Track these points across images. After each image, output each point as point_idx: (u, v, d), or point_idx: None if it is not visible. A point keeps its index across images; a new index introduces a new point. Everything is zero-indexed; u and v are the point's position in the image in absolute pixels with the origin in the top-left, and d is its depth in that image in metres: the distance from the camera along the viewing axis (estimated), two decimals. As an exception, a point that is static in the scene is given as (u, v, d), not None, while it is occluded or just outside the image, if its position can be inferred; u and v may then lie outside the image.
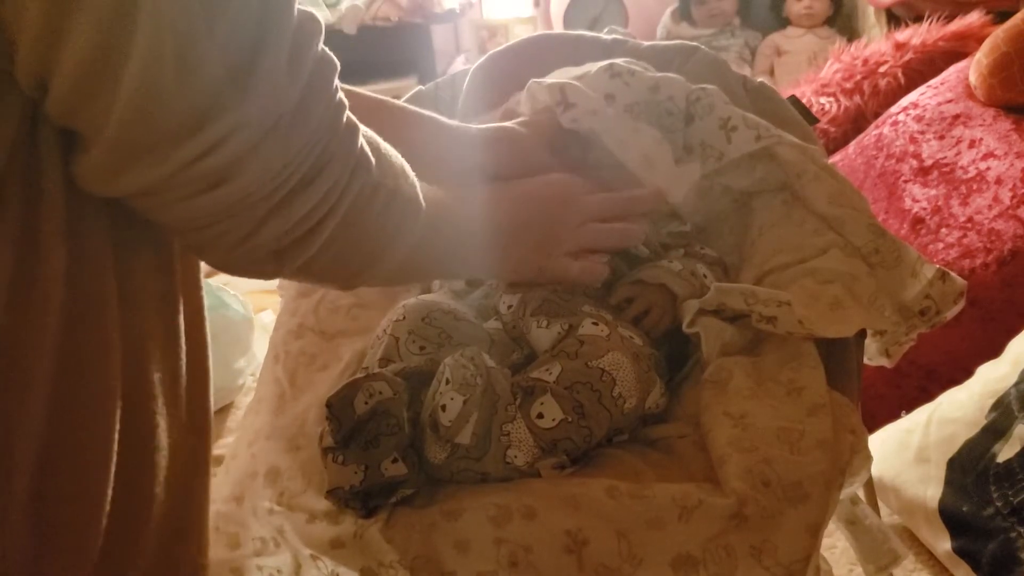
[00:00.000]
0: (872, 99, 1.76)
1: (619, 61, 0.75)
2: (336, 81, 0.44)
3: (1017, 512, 0.96)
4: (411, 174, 0.52)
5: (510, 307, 0.67)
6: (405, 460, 0.55)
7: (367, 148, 0.47)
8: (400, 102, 0.73)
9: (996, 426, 1.04)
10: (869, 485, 0.79)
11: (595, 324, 0.62)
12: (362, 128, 0.47)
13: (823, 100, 1.80)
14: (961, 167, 1.39)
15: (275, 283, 0.88)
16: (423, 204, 0.52)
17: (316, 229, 0.45)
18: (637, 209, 0.72)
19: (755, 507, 0.51)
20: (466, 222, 0.62)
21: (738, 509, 0.51)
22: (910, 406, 1.19)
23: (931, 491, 1.06)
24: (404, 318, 0.66)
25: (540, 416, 0.56)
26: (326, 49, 0.43)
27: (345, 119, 0.45)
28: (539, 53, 0.86)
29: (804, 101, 1.81)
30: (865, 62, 1.81)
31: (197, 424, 0.50)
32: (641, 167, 0.74)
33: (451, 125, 0.73)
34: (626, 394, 0.59)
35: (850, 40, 2.02)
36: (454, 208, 0.60)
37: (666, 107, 0.74)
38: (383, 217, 0.49)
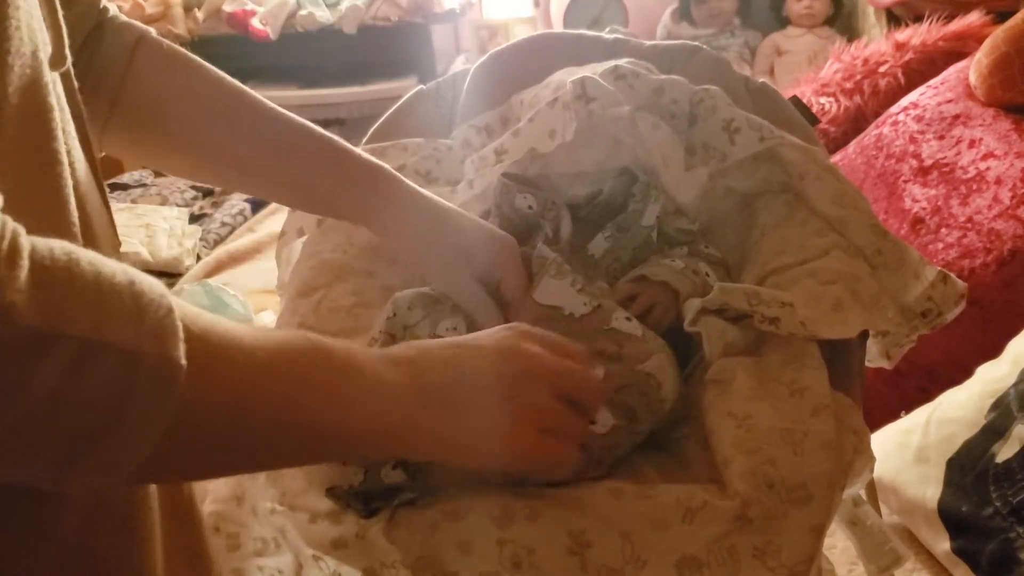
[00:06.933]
0: (872, 99, 1.76)
1: (623, 63, 0.75)
2: None
3: (1016, 512, 0.96)
4: (161, 310, 0.35)
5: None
6: (406, 468, 0.55)
7: (19, 278, 0.31)
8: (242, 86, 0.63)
9: (995, 426, 1.04)
10: (870, 485, 0.80)
11: (628, 320, 0.62)
12: (39, 244, 0.32)
13: (823, 100, 1.80)
14: (961, 167, 1.39)
15: (274, 283, 0.88)
16: (179, 360, 0.35)
17: None
18: (591, 394, 0.52)
19: (759, 509, 0.51)
20: (367, 374, 0.44)
21: (742, 511, 0.51)
22: (910, 406, 1.19)
23: (930, 491, 1.06)
24: (395, 315, 0.66)
25: (593, 422, 0.55)
26: None
27: None
28: (541, 52, 0.86)
29: (804, 101, 1.81)
30: (865, 62, 1.81)
31: None
32: (659, 165, 0.74)
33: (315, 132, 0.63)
34: (669, 396, 0.60)
35: (850, 40, 2.02)
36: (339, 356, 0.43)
37: (670, 110, 0.74)
38: (72, 384, 0.32)
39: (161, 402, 0.34)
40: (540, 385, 0.48)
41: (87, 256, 0.33)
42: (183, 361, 0.35)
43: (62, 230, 0.40)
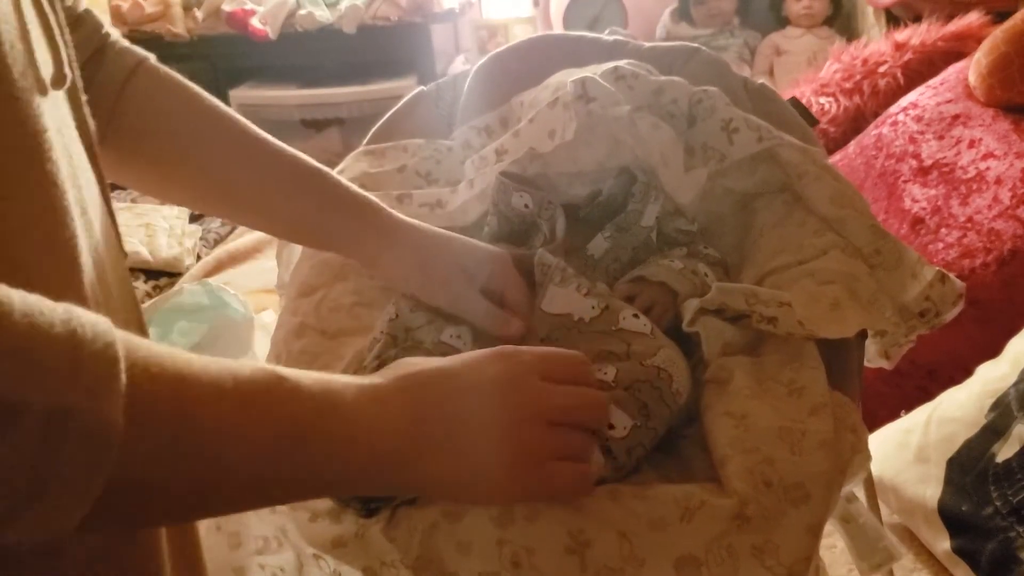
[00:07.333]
0: (872, 99, 1.76)
1: (623, 64, 0.75)
2: None
3: (1016, 512, 0.96)
4: (102, 362, 0.32)
5: None
6: None
7: None
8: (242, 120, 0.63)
9: (995, 426, 1.04)
10: (870, 485, 0.80)
11: (636, 317, 0.63)
12: None
13: (823, 100, 1.80)
14: (961, 167, 1.40)
15: (275, 282, 0.88)
16: (114, 418, 0.32)
17: None
18: (591, 413, 0.51)
19: (757, 508, 0.51)
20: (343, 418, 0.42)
21: (740, 510, 0.51)
22: (910, 406, 1.19)
23: (930, 491, 1.06)
24: (397, 316, 0.66)
25: (611, 427, 0.55)
26: None
27: None
28: (540, 54, 0.86)
29: (804, 101, 1.81)
30: (865, 62, 1.81)
31: None
32: (658, 165, 0.74)
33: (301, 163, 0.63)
34: (682, 389, 0.60)
35: (850, 40, 2.02)
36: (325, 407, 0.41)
37: (669, 110, 0.74)
38: None
39: (92, 464, 0.31)
40: (539, 420, 0.47)
41: (23, 304, 0.30)
42: (119, 419, 0.32)
43: (56, 253, 0.39)
